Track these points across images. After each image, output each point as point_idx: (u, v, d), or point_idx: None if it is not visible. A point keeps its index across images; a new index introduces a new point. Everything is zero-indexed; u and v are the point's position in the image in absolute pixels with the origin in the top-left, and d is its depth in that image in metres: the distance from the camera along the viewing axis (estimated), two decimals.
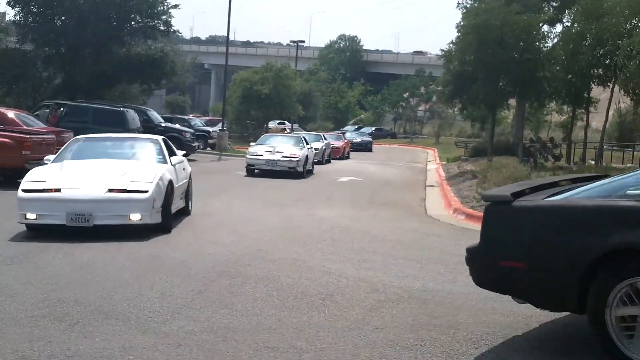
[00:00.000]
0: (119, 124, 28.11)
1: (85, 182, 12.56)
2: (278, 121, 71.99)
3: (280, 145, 30.17)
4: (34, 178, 12.78)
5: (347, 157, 48.80)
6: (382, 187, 26.99)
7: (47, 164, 14.05)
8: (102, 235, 11.94)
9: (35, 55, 45.61)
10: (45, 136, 21.33)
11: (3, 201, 16.55)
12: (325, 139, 43.61)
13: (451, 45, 35.97)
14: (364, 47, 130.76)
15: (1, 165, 19.69)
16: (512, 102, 41.78)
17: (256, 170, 28.80)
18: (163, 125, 36.90)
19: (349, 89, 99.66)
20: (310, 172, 31.03)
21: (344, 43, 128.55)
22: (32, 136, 20.52)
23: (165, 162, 14.47)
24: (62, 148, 14.95)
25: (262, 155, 29.07)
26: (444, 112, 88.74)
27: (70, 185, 12.42)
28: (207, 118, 73.59)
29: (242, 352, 6.36)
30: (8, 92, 46.25)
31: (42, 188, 12.37)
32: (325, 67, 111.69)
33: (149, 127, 32.57)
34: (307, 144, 32.33)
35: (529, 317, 7.82)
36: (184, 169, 15.57)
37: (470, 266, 7.08)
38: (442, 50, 38.95)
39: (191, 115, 71.81)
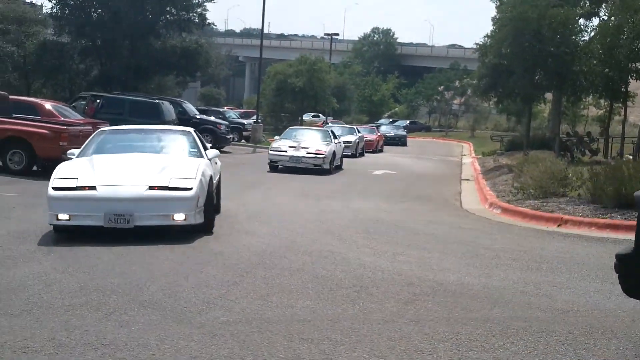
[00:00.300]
0: (155, 116, 28.27)
1: (121, 179, 11.48)
2: (312, 114, 72.07)
3: (305, 140, 28.62)
4: (64, 174, 11.65)
5: (381, 151, 48.46)
6: (416, 180, 26.92)
7: (72, 158, 12.91)
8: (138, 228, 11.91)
9: (72, 47, 45.96)
10: (82, 127, 21.50)
11: (40, 191, 16.71)
12: (359, 132, 43.35)
13: (487, 38, 35.82)
14: (398, 40, 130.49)
15: (39, 156, 19.89)
16: (548, 96, 41.50)
17: (279, 166, 27.48)
18: (198, 117, 37.19)
19: (383, 82, 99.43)
20: (338, 168, 29.58)
21: (378, 36, 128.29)
22: (70, 127, 20.70)
23: (202, 155, 13.31)
24: (87, 141, 13.57)
25: (285, 152, 27.49)
26: (479, 106, 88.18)
27: (106, 182, 11.34)
28: (242, 110, 73.86)
29: (276, 343, 6.36)
30: (45, 84, 46.71)
31: (74, 186, 11.27)
32: (359, 60, 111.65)
33: (184, 119, 32.77)
34: (335, 137, 30.55)
35: (566, 312, 7.75)
36: (216, 163, 14.52)
37: (621, 274, 6.39)
38: (477, 43, 38.84)
39: (226, 107, 72.15)
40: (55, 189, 11.28)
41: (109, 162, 12.38)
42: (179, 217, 11.31)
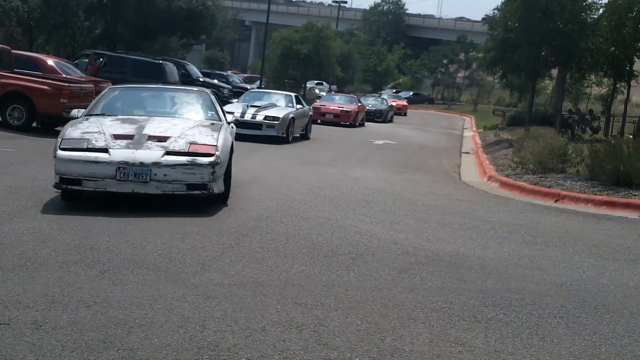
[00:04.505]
0: (158, 77, 28.17)
1: None
2: (316, 81, 71.82)
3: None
4: None
5: (362, 125, 40.23)
6: (417, 151, 26.88)
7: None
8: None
9: (77, 3, 45.50)
10: (83, 85, 21.41)
11: (39, 148, 16.67)
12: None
13: (496, 11, 35.75)
14: (407, 11, 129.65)
15: (39, 113, 19.78)
16: (553, 72, 41.39)
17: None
18: (201, 80, 37.05)
19: (389, 52, 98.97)
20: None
21: (387, 6, 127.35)
22: (71, 84, 20.59)
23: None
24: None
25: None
26: (482, 80, 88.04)
27: None
28: (246, 75, 73.69)
29: (270, 307, 6.36)
30: (48, 40, 46.42)
31: None
32: (367, 30, 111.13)
33: (187, 81, 32.74)
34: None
35: (559, 285, 7.76)
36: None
37: None
38: (487, 15, 38.75)
39: (230, 71, 71.84)
40: None
41: None
42: None
